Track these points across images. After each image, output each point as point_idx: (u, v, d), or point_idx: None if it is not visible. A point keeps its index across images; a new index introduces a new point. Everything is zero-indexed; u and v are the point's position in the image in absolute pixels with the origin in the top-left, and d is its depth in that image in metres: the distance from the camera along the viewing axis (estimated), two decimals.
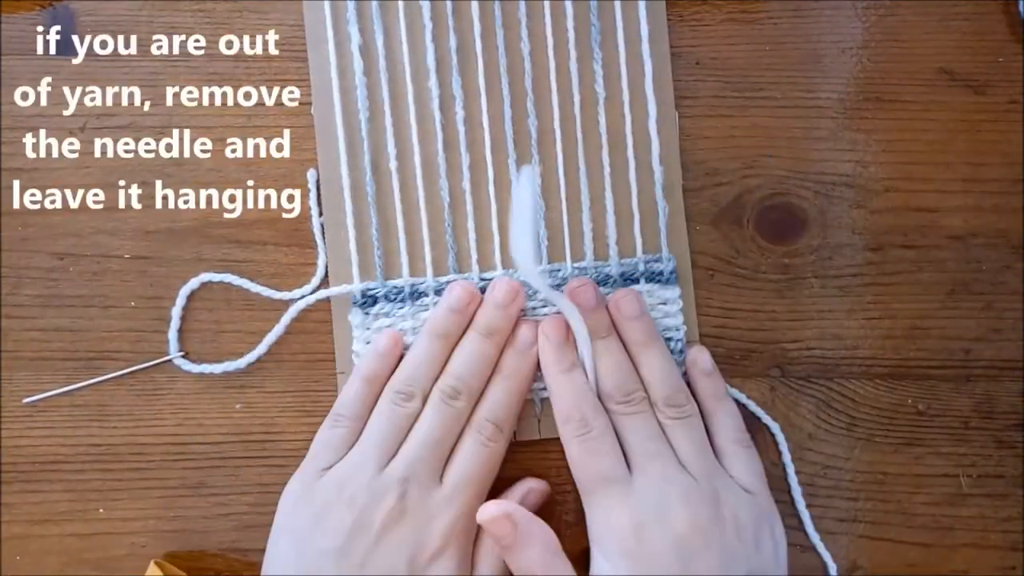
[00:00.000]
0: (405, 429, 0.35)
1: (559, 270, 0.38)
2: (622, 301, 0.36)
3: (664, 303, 0.38)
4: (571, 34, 0.38)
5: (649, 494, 0.34)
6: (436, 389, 0.35)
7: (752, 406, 0.38)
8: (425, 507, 0.34)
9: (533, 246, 0.33)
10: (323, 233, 0.38)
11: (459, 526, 0.34)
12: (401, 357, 0.37)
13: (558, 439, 0.36)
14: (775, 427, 0.38)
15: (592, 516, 0.34)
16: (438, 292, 0.37)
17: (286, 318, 0.38)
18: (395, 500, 0.33)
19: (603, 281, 0.38)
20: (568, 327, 0.36)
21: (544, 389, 0.37)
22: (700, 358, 0.37)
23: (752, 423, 0.38)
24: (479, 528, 0.35)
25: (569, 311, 0.35)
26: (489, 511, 0.34)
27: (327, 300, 0.38)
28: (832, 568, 0.38)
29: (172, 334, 0.38)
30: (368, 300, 0.37)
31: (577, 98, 0.38)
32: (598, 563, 0.34)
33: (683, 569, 0.32)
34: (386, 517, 0.33)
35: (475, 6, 0.38)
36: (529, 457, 0.38)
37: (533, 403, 0.37)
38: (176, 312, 0.38)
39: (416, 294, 0.38)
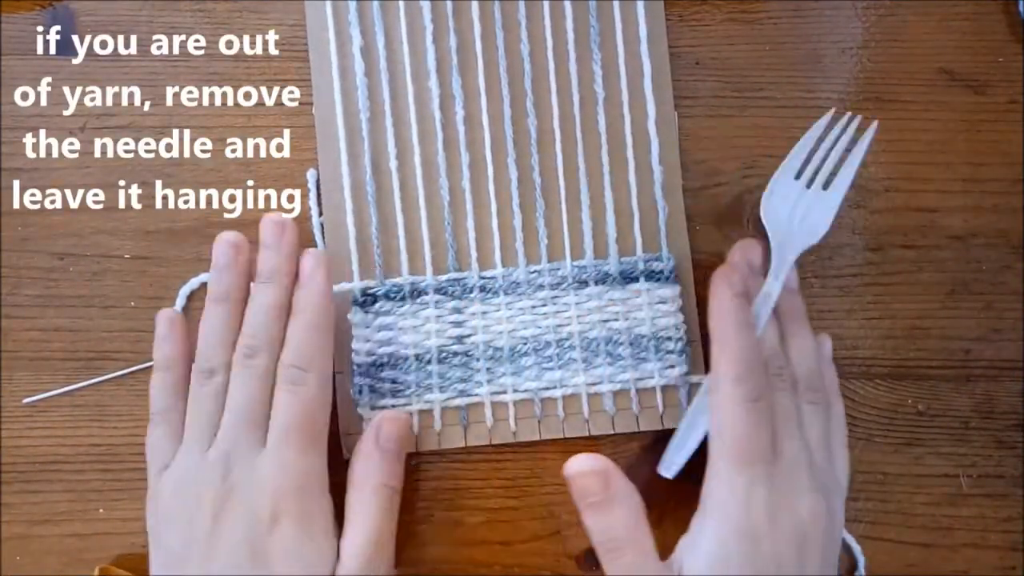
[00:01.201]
0: (220, 407, 0.33)
1: (558, 268, 0.38)
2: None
3: (663, 302, 0.38)
4: (570, 35, 0.39)
5: (787, 477, 0.33)
6: (235, 354, 0.34)
7: None
8: (251, 476, 0.32)
9: None
10: (323, 233, 0.38)
11: (289, 486, 0.32)
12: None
13: (560, 440, 0.36)
14: None
15: (729, 487, 0.32)
16: (438, 291, 0.37)
17: None
18: (219, 480, 0.32)
19: (602, 279, 0.38)
20: (751, 279, 0.35)
21: (545, 389, 0.37)
22: (826, 345, 0.37)
23: None
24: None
25: (783, 273, 0.35)
26: (580, 464, 0.33)
27: None
28: (861, 562, 0.37)
29: None
30: (368, 299, 0.37)
31: (576, 98, 0.38)
32: (710, 534, 0.32)
33: (796, 555, 0.32)
34: (215, 501, 0.32)
35: (475, 7, 0.38)
36: (529, 457, 0.38)
37: (533, 403, 0.37)
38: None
39: (416, 293, 0.37)
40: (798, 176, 0.37)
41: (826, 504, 0.33)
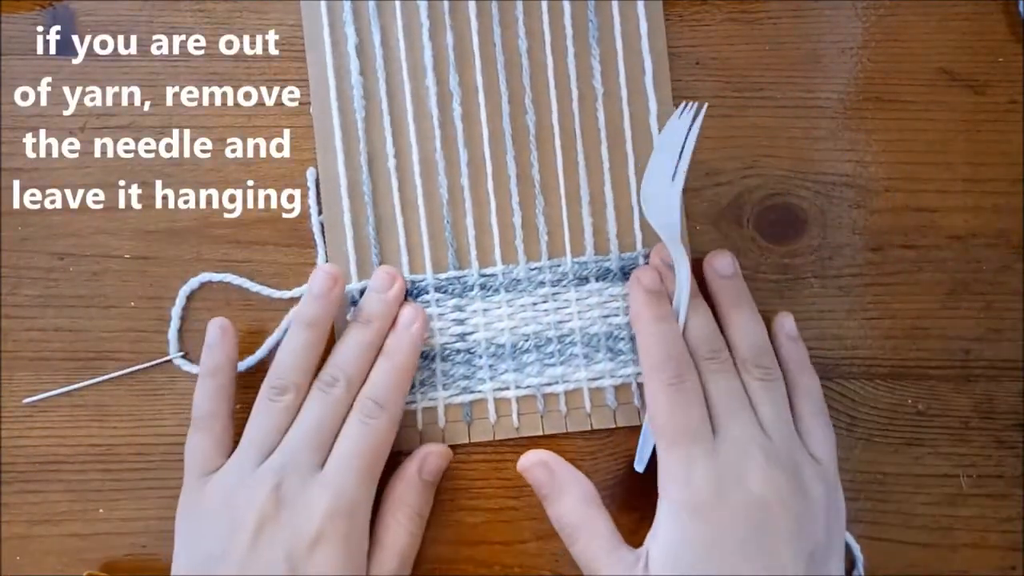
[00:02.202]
0: (284, 424, 0.34)
1: (559, 265, 0.38)
2: (716, 259, 0.36)
3: None
4: (568, 31, 0.39)
5: (732, 453, 0.33)
6: (316, 380, 0.35)
7: None
8: (303, 495, 0.33)
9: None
10: (323, 232, 0.38)
11: (340, 509, 0.33)
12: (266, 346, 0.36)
13: (560, 440, 0.36)
14: None
15: (669, 469, 0.33)
16: (438, 289, 0.38)
17: (286, 320, 0.38)
18: (268, 492, 0.32)
19: (603, 275, 0.38)
20: (662, 278, 0.36)
21: (548, 385, 0.37)
22: (786, 323, 0.37)
23: None
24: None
25: (682, 261, 0.35)
26: (527, 459, 0.35)
27: None
28: (859, 560, 0.37)
29: (172, 334, 0.38)
30: None
31: (575, 94, 0.39)
32: (664, 519, 0.33)
33: (756, 532, 0.32)
34: (261, 511, 0.32)
35: (472, 4, 0.39)
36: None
37: (536, 399, 0.37)
38: (176, 312, 0.38)
39: (416, 291, 0.38)
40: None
41: (786, 478, 0.33)
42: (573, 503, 0.34)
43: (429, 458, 0.36)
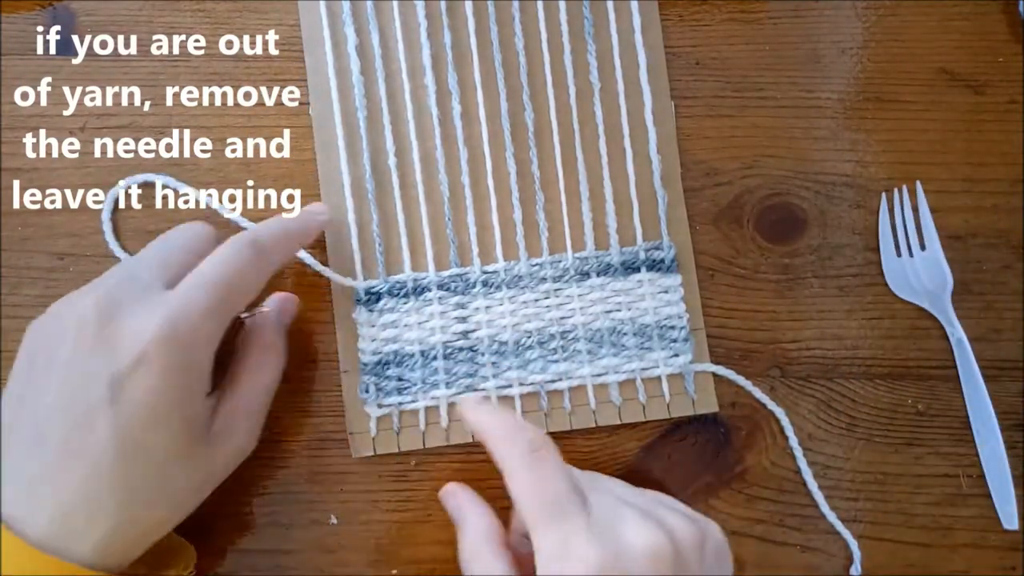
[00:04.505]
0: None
1: (560, 260, 0.38)
2: None
3: (665, 291, 0.38)
4: (564, 27, 0.39)
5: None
6: None
7: (757, 393, 0.38)
8: (132, 311, 0.29)
9: None
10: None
11: (175, 336, 0.28)
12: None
13: (563, 435, 0.36)
14: (780, 412, 0.38)
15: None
16: (441, 286, 0.38)
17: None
18: (91, 303, 0.29)
19: (604, 270, 0.38)
20: None
21: (551, 381, 0.37)
22: None
23: (756, 415, 0.38)
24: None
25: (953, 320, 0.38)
26: (446, 488, 0.35)
27: (329, 300, 0.38)
28: (854, 545, 0.37)
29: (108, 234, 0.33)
30: (372, 297, 0.37)
31: (572, 90, 0.39)
32: None
33: None
34: (80, 322, 0.29)
35: (469, 4, 0.39)
36: None
37: (539, 396, 0.37)
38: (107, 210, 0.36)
39: (419, 289, 0.38)
40: (899, 253, 0.39)
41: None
42: (470, 540, 0.32)
43: (287, 305, 0.36)
